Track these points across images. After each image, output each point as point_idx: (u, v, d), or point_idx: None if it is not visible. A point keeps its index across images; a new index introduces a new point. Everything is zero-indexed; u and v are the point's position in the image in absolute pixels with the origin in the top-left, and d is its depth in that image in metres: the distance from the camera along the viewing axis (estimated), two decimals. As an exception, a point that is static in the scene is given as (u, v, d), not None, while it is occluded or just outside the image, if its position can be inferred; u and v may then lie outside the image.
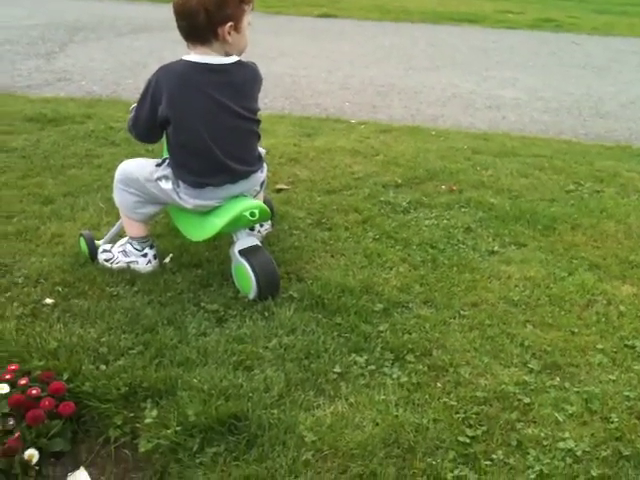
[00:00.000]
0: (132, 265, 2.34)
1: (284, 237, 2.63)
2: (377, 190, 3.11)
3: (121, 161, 2.42)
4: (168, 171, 2.21)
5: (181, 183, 2.19)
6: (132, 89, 5.16)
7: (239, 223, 2.19)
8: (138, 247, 2.34)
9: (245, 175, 2.23)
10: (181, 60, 2.11)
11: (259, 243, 2.28)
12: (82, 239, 2.41)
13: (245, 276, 2.19)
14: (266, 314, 2.11)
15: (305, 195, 3.04)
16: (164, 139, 2.27)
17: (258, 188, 2.37)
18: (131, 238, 2.36)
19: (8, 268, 2.34)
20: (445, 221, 2.81)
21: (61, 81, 5.26)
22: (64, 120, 4.07)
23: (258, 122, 2.25)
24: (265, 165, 2.39)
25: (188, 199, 2.20)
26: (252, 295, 2.18)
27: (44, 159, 3.40)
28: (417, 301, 2.22)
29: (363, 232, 2.69)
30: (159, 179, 2.22)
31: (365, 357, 1.91)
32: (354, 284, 2.28)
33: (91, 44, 5.32)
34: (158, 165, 2.25)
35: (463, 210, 2.93)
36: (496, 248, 2.60)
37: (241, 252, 2.21)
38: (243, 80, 2.17)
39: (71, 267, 2.35)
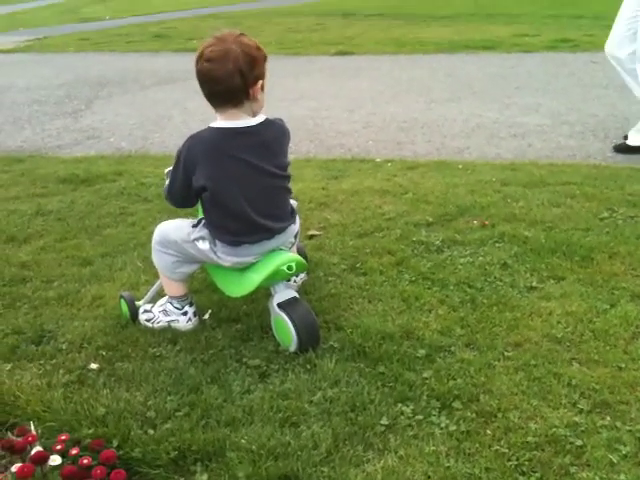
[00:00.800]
0: (173, 324, 2.37)
1: (320, 285, 2.64)
2: (409, 230, 3.11)
3: (157, 221, 2.48)
4: (205, 232, 2.24)
5: (218, 242, 2.23)
6: (159, 143, 5.27)
7: (277, 277, 2.22)
8: (178, 306, 2.37)
9: (280, 230, 2.26)
10: (209, 128, 2.15)
11: (297, 295, 2.29)
12: (123, 301, 2.45)
13: (285, 329, 2.20)
14: (308, 367, 2.11)
15: (337, 240, 3.06)
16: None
17: (293, 240, 2.39)
18: (171, 297, 2.39)
19: (52, 334, 2.38)
20: (480, 258, 2.79)
21: (90, 139, 5.39)
22: (96, 179, 4.16)
23: (289, 177, 2.28)
24: (297, 216, 2.41)
25: (225, 257, 2.24)
26: (293, 348, 2.19)
27: (79, 220, 3.47)
28: (459, 344, 2.20)
29: (398, 275, 2.69)
30: (196, 240, 2.25)
31: (411, 407, 1.90)
32: (394, 330, 2.27)
33: (116, 99, 5.45)
34: (194, 226, 2.29)
35: (497, 245, 2.91)
36: (534, 283, 2.57)
37: (280, 305, 2.23)
38: (273, 138, 2.21)
39: (113, 329, 2.38)
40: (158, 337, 2.32)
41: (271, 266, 2.19)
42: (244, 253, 2.23)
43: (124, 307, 2.44)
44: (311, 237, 3.11)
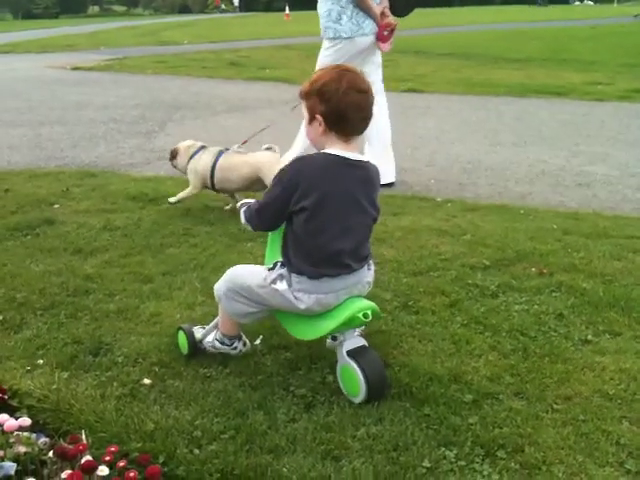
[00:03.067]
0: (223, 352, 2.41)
1: (370, 320, 2.64)
2: (465, 272, 3.11)
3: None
4: (282, 271, 2.19)
5: (295, 278, 2.17)
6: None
7: (352, 324, 2.17)
8: (228, 342, 2.39)
9: (359, 268, 2.22)
10: (322, 153, 2.15)
11: (366, 343, 2.25)
12: (182, 332, 2.41)
13: (353, 379, 2.14)
14: (353, 403, 2.12)
15: (392, 276, 3.08)
16: (270, 243, 2.36)
17: (368, 284, 2.31)
18: (222, 334, 2.39)
19: (110, 347, 2.47)
20: (536, 306, 2.76)
21: (160, 160, 5.57)
22: (163, 199, 4.30)
23: (376, 221, 2.30)
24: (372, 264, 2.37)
25: (303, 296, 2.16)
26: (359, 399, 2.12)
27: (144, 238, 3.60)
28: (508, 392, 2.18)
29: (451, 316, 2.69)
30: (274, 281, 2.19)
31: (455, 451, 1.89)
32: (442, 372, 2.27)
33: (188, 122, 5.64)
34: (270, 269, 2.24)
35: (554, 295, 2.87)
36: (589, 337, 2.53)
37: (350, 353, 2.17)
38: (376, 178, 2.23)
39: (167, 347, 2.45)
40: (209, 358, 2.38)
41: (348, 312, 2.13)
42: (323, 288, 2.15)
43: (182, 340, 2.42)
44: (366, 272, 3.13)
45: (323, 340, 2.40)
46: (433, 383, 2.21)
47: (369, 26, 4.68)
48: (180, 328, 2.43)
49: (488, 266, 3.18)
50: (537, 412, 2.07)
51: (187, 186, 4.05)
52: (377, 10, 4.66)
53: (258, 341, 2.49)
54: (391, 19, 4.77)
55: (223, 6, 61.34)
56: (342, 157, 2.13)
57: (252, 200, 2.36)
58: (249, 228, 2.31)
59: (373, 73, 4.69)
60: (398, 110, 7.96)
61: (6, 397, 2.10)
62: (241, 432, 1.97)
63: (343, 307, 2.17)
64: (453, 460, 1.86)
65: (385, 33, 4.74)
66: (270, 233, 2.38)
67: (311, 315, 2.23)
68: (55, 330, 2.59)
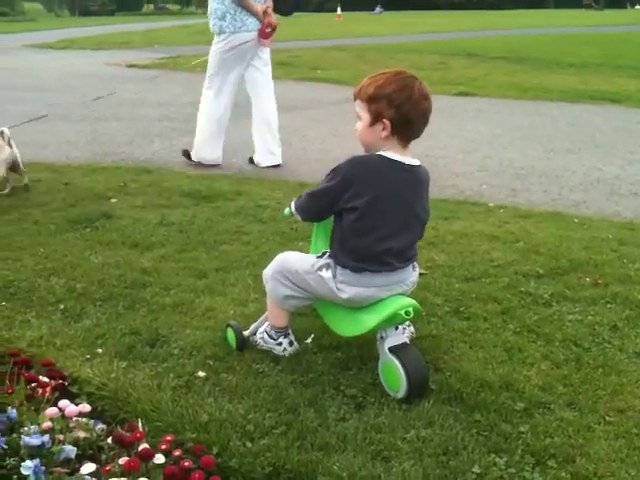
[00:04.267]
0: (271, 349, 2.44)
1: (421, 324, 2.66)
2: (517, 280, 3.08)
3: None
4: (329, 260, 2.27)
5: (340, 270, 2.23)
6: (275, 168, 5.48)
7: (394, 320, 2.21)
8: (274, 336, 2.43)
9: (403, 267, 2.27)
10: (379, 155, 2.19)
11: (408, 341, 2.30)
12: (230, 329, 2.48)
13: (395, 375, 2.18)
14: (403, 405, 2.14)
15: (443, 281, 3.08)
16: (316, 234, 2.44)
17: (412, 284, 2.35)
18: (271, 325, 2.44)
19: (166, 339, 2.54)
20: (590, 317, 2.73)
21: (212, 158, 5.65)
22: (217, 197, 4.39)
23: (425, 224, 2.33)
24: (417, 266, 2.42)
25: (345, 287, 2.22)
26: (400, 395, 2.16)
27: (199, 234, 3.68)
28: (560, 402, 2.16)
29: (503, 324, 2.68)
30: (320, 269, 2.26)
31: (505, 459, 1.89)
32: (493, 379, 2.26)
33: (242, 122, 5.71)
34: (319, 257, 2.33)
35: (609, 306, 2.83)
36: (644, 350, 2.49)
37: (391, 349, 2.21)
38: (426, 182, 2.29)
39: (221, 341, 2.51)
40: (262, 354, 2.43)
41: (390, 308, 2.18)
42: (365, 282, 2.21)
43: (231, 336, 2.47)
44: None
45: (374, 341, 2.42)
46: (484, 390, 2.20)
47: (252, 23, 5.24)
48: (228, 325, 2.49)
49: (541, 274, 3.15)
50: (589, 423, 2.05)
51: (239, 182, 4.12)
52: (259, 9, 5.18)
53: (309, 340, 2.53)
54: (273, 18, 5.29)
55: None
56: (398, 162, 2.17)
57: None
58: (297, 217, 2.38)
59: (261, 67, 5.44)
60: (448, 113, 7.94)
61: (66, 384, 2.18)
62: (292, 428, 2.00)
63: (385, 304, 2.21)
64: (503, 467, 1.86)
65: (267, 30, 5.28)
66: (316, 225, 2.46)
67: (353, 311, 2.29)
68: (114, 321, 2.67)
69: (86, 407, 2.00)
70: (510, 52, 15.78)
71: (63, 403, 1.98)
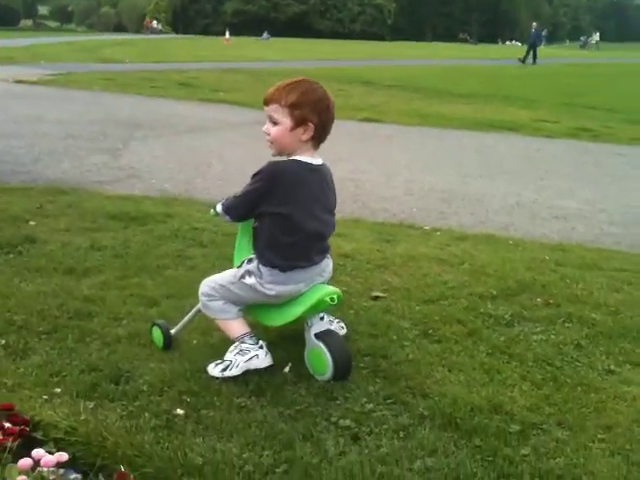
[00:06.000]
0: (253, 362, 2.34)
1: (395, 349, 2.60)
2: (474, 301, 3.10)
3: (216, 268, 2.52)
4: (250, 266, 2.37)
5: (267, 270, 2.33)
6: (202, 189, 5.31)
7: (319, 308, 2.38)
8: (251, 341, 2.40)
9: (320, 260, 2.45)
10: (293, 160, 2.32)
11: (331, 327, 2.50)
12: (156, 328, 2.52)
13: (321, 359, 2.34)
14: (401, 433, 2.06)
15: (403, 304, 3.04)
16: (237, 247, 2.54)
17: (329, 273, 2.52)
18: (241, 337, 2.40)
19: (130, 374, 2.33)
20: (553, 336, 2.78)
21: (131, 178, 5.40)
22: (146, 219, 4.15)
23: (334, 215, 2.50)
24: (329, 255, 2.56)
25: (273, 286, 2.34)
26: (327, 377, 2.32)
27: (138, 259, 3.44)
28: (551, 422, 2.16)
29: (474, 345, 2.67)
30: (242, 277, 2.37)
31: (516, 484, 1.85)
32: (481, 402, 2.24)
33: (151, 141, 5.50)
34: (238, 267, 2.42)
35: (567, 325, 2.90)
36: (612, 367, 2.56)
37: (317, 335, 2.38)
38: (331, 178, 2.45)
39: (192, 375, 2.33)
40: (241, 386, 2.27)
41: (315, 297, 2.34)
42: (294, 279, 2.35)
43: (157, 334, 2.51)
44: (376, 298, 3.10)
45: (356, 369, 2.34)
46: (476, 413, 2.17)
47: None
48: (154, 324, 2.54)
49: (495, 295, 3.19)
50: (584, 442, 2.06)
51: (166, 203, 3.92)
52: None
53: (287, 369, 2.40)
54: None
55: (160, 27, 60.82)
56: (308, 163, 2.33)
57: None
58: (225, 218, 2.43)
59: None
60: (360, 138, 8.06)
61: (28, 429, 1.93)
62: (294, 466, 1.87)
63: (310, 293, 2.38)
64: (516, 493, 1.83)
65: None
66: (237, 239, 2.57)
67: (280, 303, 2.43)
68: (66, 356, 2.41)
69: (63, 456, 1.76)
70: (403, 81, 16.35)
71: (37, 453, 1.74)
